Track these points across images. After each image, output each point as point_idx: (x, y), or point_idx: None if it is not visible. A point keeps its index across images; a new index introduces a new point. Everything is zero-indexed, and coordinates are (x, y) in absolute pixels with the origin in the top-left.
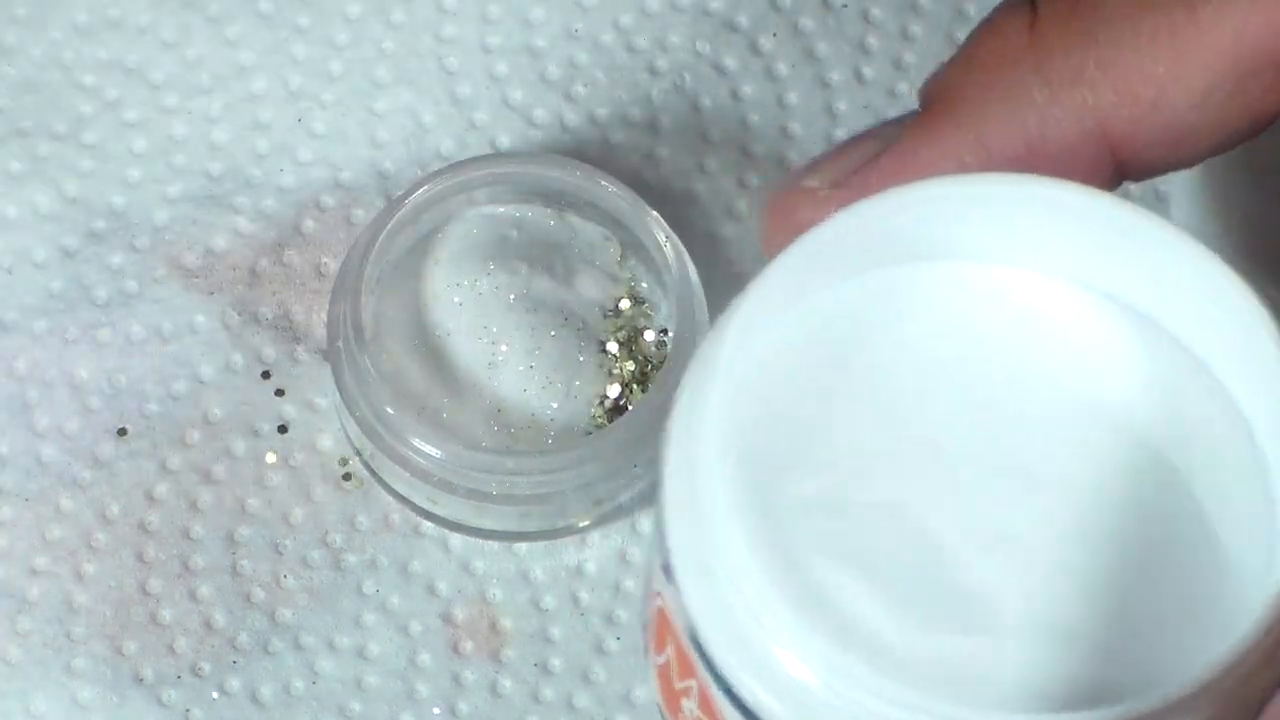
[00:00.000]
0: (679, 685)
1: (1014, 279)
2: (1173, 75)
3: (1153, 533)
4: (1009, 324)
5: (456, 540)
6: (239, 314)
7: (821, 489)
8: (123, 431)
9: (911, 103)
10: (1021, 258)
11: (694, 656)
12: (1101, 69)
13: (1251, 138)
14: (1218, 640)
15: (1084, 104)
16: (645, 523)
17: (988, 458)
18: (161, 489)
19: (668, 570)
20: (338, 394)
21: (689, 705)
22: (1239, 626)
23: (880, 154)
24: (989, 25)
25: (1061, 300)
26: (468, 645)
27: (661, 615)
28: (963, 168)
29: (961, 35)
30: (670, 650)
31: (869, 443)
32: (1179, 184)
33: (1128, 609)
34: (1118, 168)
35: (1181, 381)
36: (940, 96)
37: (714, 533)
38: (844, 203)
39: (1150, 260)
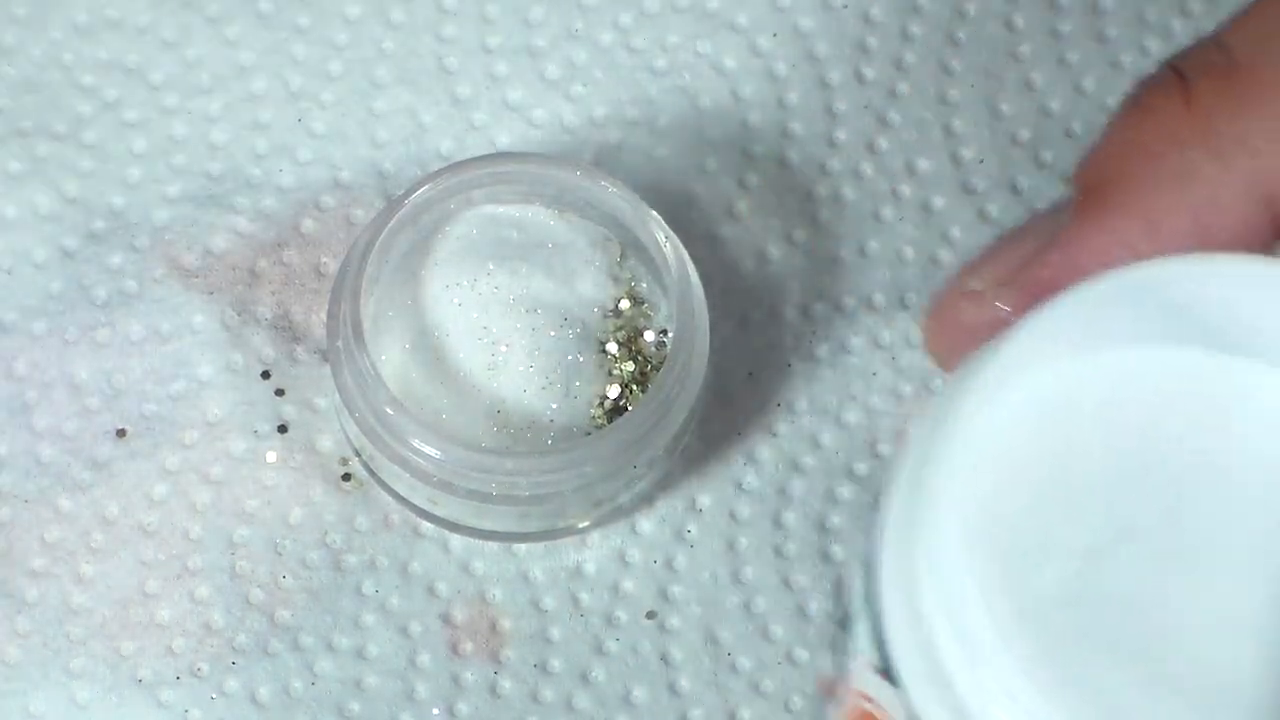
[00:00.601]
0: None
1: (1238, 364)
2: None
3: None
4: (1230, 411)
5: (456, 541)
6: (238, 314)
7: (1058, 578)
8: (122, 432)
9: (911, 103)
10: (1249, 343)
11: None
12: (1267, 137)
13: None
14: None
15: (1252, 173)
16: (645, 523)
17: (1222, 544)
18: (161, 489)
19: (888, 673)
20: (337, 394)
21: None
22: None
23: (1046, 247)
24: (1140, 103)
25: None
26: (467, 646)
27: (867, 718)
28: (1134, 253)
29: (962, 35)
30: None
31: (1099, 529)
32: None
33: None
34: (1276, 230)
35: None
36: (1100, 181)
37: (963, 631)
38: (1013, 303)
39: None
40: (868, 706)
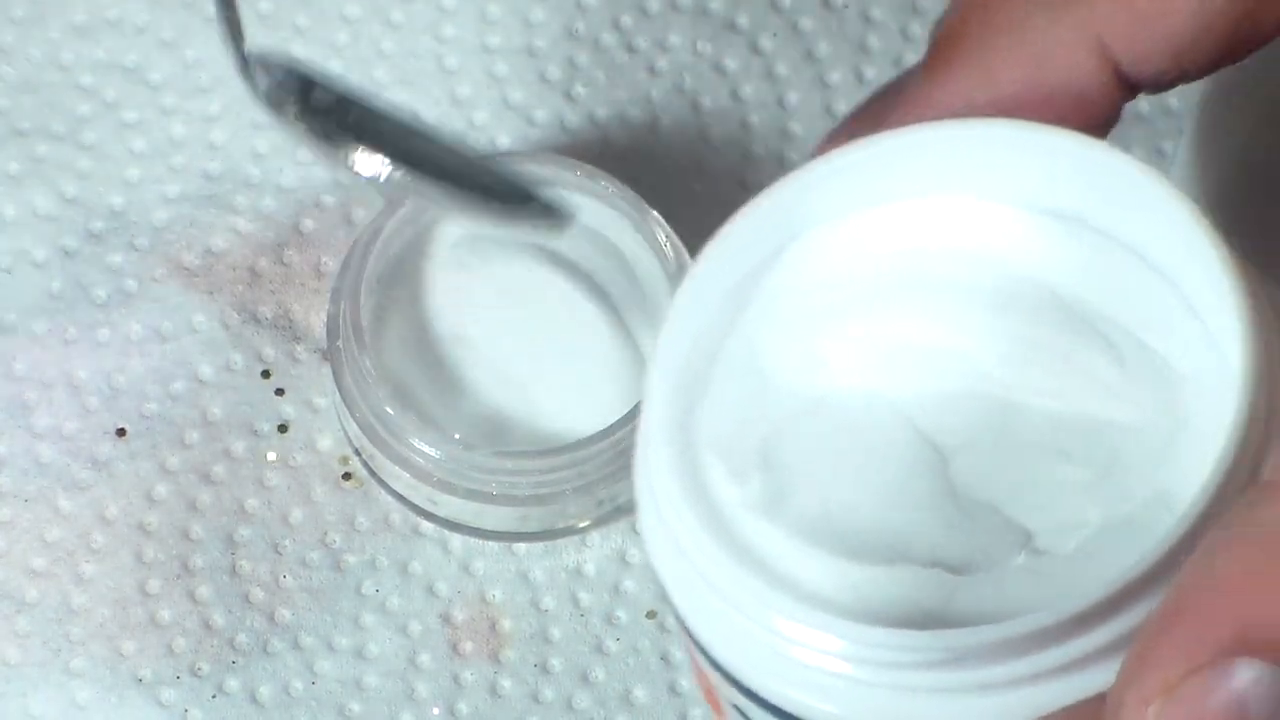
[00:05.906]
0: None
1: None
2: None
3: None
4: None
5: (456, 541)
6: (238, 314)
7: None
8: (122, 432)
9: None
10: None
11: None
12: None
13: (1257, 47)
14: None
15: (1083, 21)
16: None
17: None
18: (161, 489)
19: (682, 627)
20: (337, 394)
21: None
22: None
23: (895, 105)
24: None
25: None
26: (467, 646)
27: (704, 680)
28: (972, 103)
29: None
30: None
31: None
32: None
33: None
34: (1123, 81)
35: (1103, 257)
36: (945, 39)
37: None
38: None
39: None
40: (704, 682)
